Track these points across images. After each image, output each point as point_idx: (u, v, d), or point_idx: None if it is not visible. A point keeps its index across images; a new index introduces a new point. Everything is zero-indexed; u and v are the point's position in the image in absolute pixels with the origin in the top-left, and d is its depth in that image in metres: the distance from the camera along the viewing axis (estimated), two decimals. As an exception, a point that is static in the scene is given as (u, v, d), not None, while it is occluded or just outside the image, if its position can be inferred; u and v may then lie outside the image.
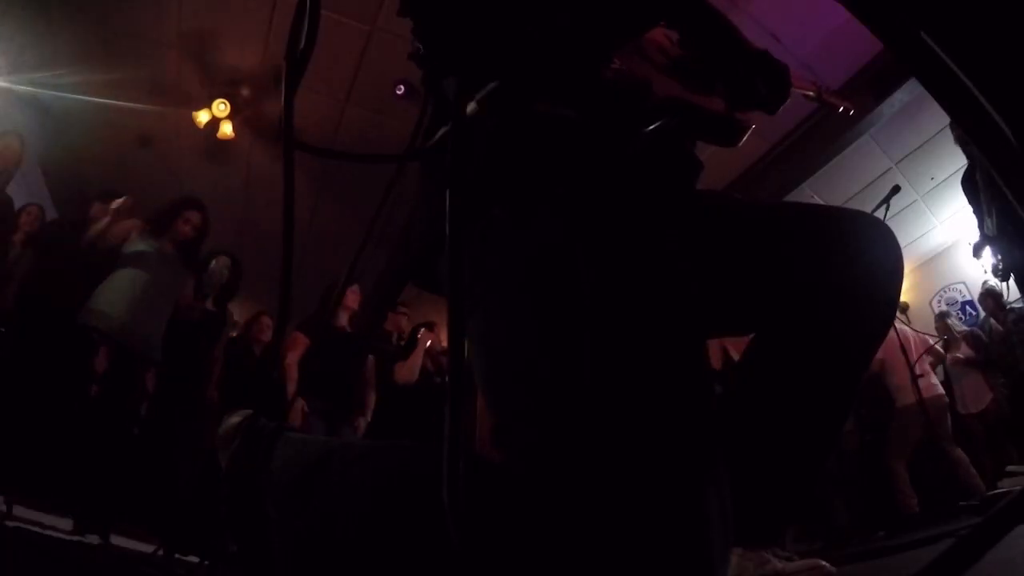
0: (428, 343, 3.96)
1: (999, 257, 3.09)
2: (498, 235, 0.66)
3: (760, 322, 0.82)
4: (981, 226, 3.04)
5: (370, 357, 3.88)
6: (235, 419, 0.92)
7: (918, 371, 4.22)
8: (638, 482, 0.53)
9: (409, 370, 3.86)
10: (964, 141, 3.04)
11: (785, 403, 0.78)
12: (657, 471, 0.54)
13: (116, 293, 3.02)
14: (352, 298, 3.81)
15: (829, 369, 0.78)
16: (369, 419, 3.73)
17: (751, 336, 0.86)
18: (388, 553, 0.66)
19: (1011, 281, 3.09)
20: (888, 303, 0.80)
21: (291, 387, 3.49)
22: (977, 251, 3.21)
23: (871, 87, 4.10)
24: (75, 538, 2.44)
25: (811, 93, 1.10)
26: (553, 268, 0.61)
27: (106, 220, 3.11)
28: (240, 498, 0.83)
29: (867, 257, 0.78)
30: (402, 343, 4.20)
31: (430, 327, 4.15)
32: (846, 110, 1.17)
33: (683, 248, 0.68)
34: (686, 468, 0.55)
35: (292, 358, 3.56)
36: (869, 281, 0.77)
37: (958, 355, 4.81)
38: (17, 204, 3.52)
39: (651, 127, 0.75)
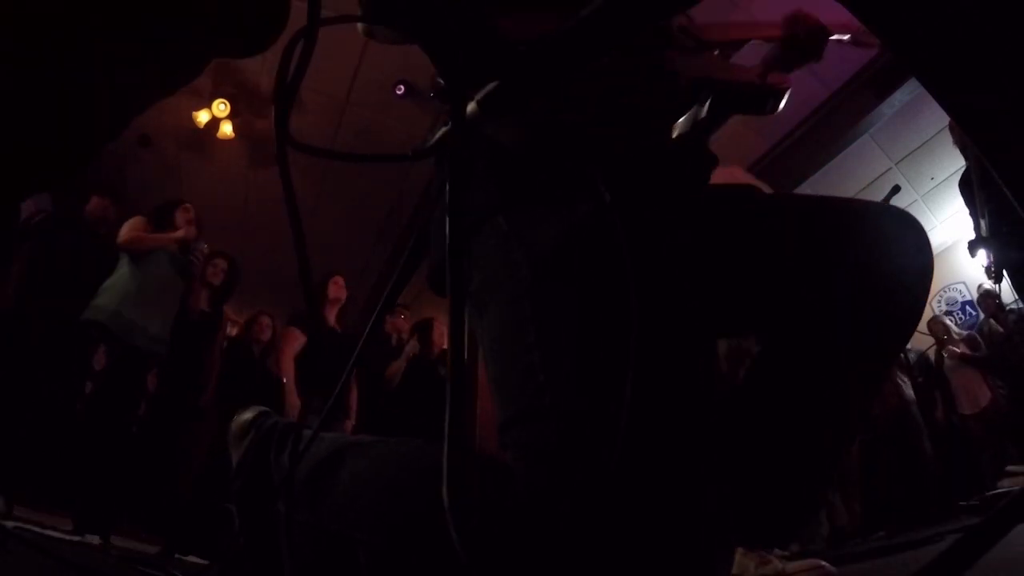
0: (412, 354, 4.00)
1: (991, 258, 3.09)
2: (501, 243, 0.68)
3: (778, 322, 0.77)
4: (977, 227, 3.05)
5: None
6: (248, 415, 0.92)
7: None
8: (637, 481, 0.54)
9: (392, 374, 3.90)
10: (964, 144, 3.05)
11: (797, 407, 0.74)
12: (656, 469, 0.55)
13: (117, 290, 3.04)
14: (335, 290, 3.72)
15: (847, 374, 0.73)
16: (354, 422, 3.70)
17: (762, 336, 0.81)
18: (396, 547, 0.66)
19: (1004, 282, 3.10)
20: (914, 306, 0.74)
21: (288, 383, 3.47)
22: (972, 250, 3.22)
23: (871, 87, 4.10)
24: (75, 538, 2.44)
25: (845, 37, 1.07)
26: (552, 276, 0.63)
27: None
28: (252, 492, 0.84)
29: (895, 259, 0.72)
30: (402, 344, 4.20)
31: (428, 325, 4.15)
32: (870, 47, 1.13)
33: (691, 252, 0.68)
34: (686, 467, 0.56)
35: (288, 354, 3.53)
36: (896, 284, 0.72)
37: (955, 349, 4.82)
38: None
39: (683, 117, 0.74)
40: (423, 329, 4.19)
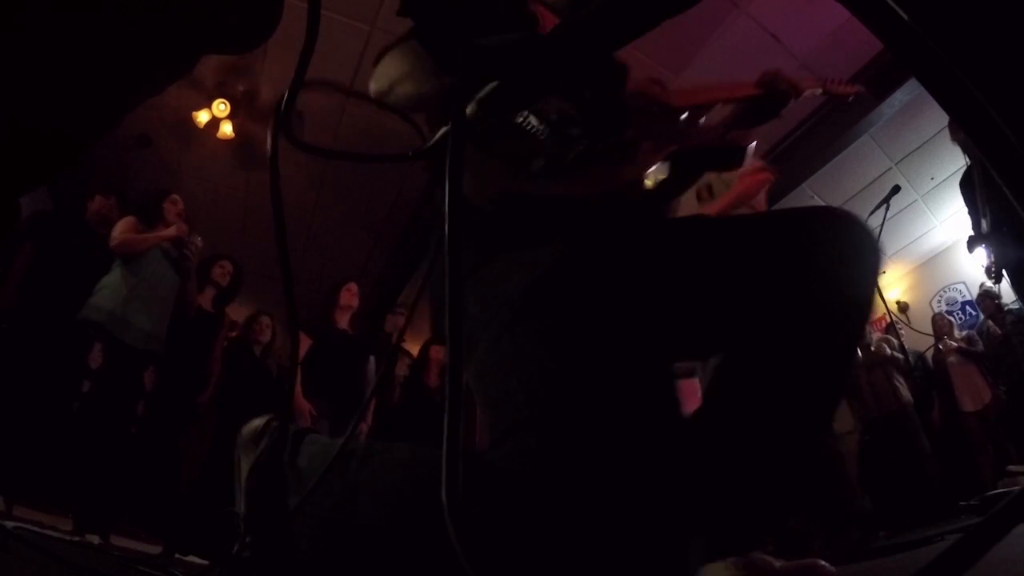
0: (404, 376, 4.14)
1: (992, 257, 3.09)
2: (481, 295, 0.80)
3: (742, 332, 0.81)
4: (976, 226, 3.04)
5: (371, 360, 3.88)
6: (259, 422, 0.97)
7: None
8: (608, 474, 0.67)
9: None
10: (965, 143, 3.04)
11: (762, 413, 0.77)
12: (624, 464, 0.68)
13: (113, 288, 3.03)
14: (347, 296, 3.77)
15: (803, 379, 0.76)
16: (370, 423, 3.72)
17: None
18: (405, 537, 0.74)
19: (1004, 282, 3.09)
20: (867, 301, 0.77)
21: (295, 388, 3.48)
22: (971, 247, 3.20)
23: (871, 87, 4.10)
24: (75, 538, 2.44)
25: (818, 91, 1.12)
26: (526, 314, 0.77)
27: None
28: (265, 491, 0.89)
29: (839, 265, 0.76)
30: (402, 344, 4.20)
31: (424, 348, 4.18)
32: (857, 94, 1.18)
33: (654, 283, 0.79)
34: (650, 460, 0.68)
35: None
36: (839, 288, 0.76)
37: (951, 342, 4.84)
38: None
39: (648, 175, 0.83)
40: (420, 353, 4.20)
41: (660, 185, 0.83)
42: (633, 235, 0.83)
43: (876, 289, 0.79)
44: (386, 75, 0.92)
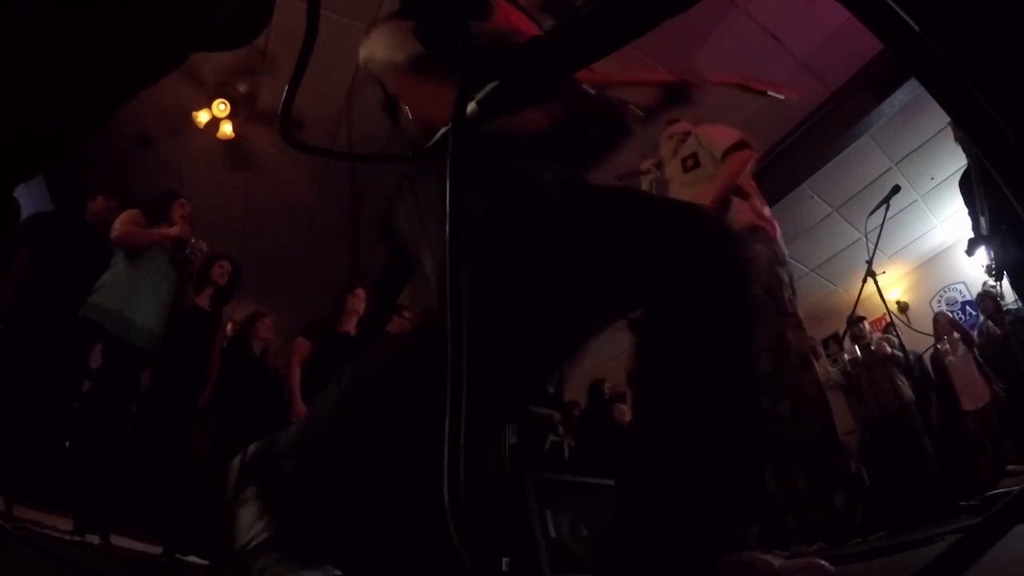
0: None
1: (992, 257, 3.08)
2: (414, 209, 0.95)
3: (658, 296, 0.95)
4: (976, 226, 3.04)
5: None
6: (238, 458, 0.99)
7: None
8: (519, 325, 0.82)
9: None
10: (965, 142, 3.04)
11: (686, 394, 0.87)
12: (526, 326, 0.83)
13: (113, 286, 3.02)
14: (355, 301, 3.81)
15: (704, 358, 0.87)
16: None
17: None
18: (386, 435, 0.82)
19: (1005, 281, 3.09)
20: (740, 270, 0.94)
21: (293, 391, 3.51)
22: (971, 249, 3.20)
23: (871, 87, 4.11)
24: (75, 538, 2.44)
25: (735, 82, 1.26)
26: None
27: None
28: (257, 461, 0.92)
29: (702, 251, 0.92)
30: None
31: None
32: (788, 97, 1.31)
33: (559, 229, 0.89)
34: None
35: (294, 362, 3.61)
36: (709, 275, 0.90)
37: (953, 334, 4.85)
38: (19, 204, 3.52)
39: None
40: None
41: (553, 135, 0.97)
42: (525, 175, 0.94)
43: (743, 284, 0.95)
44: (370, 45, 1.09)
